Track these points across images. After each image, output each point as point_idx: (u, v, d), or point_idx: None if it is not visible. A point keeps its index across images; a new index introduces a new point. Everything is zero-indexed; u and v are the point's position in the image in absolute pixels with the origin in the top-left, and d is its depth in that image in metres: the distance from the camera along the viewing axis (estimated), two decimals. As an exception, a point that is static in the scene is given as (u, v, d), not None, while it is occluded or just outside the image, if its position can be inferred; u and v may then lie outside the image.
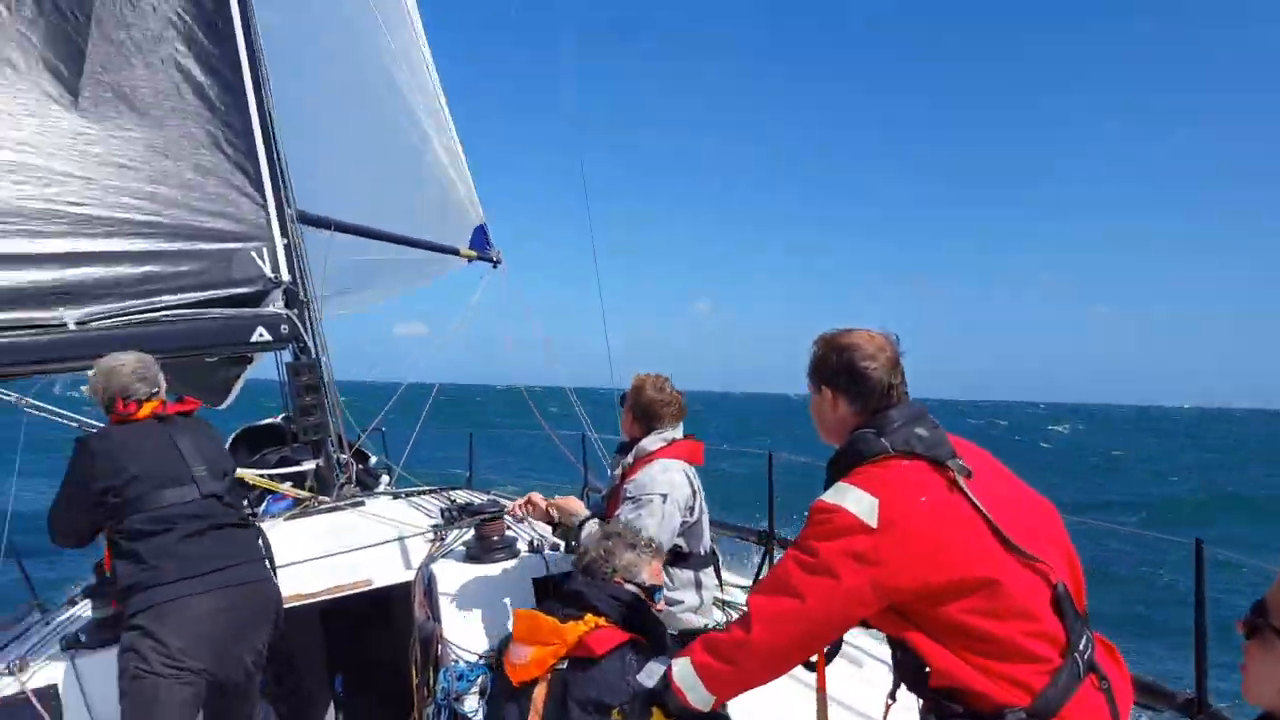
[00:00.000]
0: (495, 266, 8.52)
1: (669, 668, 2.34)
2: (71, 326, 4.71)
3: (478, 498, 5.22)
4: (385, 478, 7.04)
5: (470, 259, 8.40)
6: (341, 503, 5.32)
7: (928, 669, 2.10)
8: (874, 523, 2.07)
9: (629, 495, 3.51)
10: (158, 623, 3.11)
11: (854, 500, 2.11)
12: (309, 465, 5.53)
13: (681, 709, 2.30)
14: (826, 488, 2.23)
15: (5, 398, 4.77)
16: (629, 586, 3.04)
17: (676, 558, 3.61)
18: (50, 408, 4.96)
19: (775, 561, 5.10)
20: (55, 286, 4.73)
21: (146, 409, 3.52)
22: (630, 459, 3.71)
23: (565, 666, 2.72)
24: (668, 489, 3.50)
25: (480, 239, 8.48)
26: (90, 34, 4.93)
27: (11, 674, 3.30)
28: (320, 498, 5.32)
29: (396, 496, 5.66)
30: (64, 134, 4.86)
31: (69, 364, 4.85)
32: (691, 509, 3.65)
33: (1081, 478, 36.05)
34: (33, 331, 4.66)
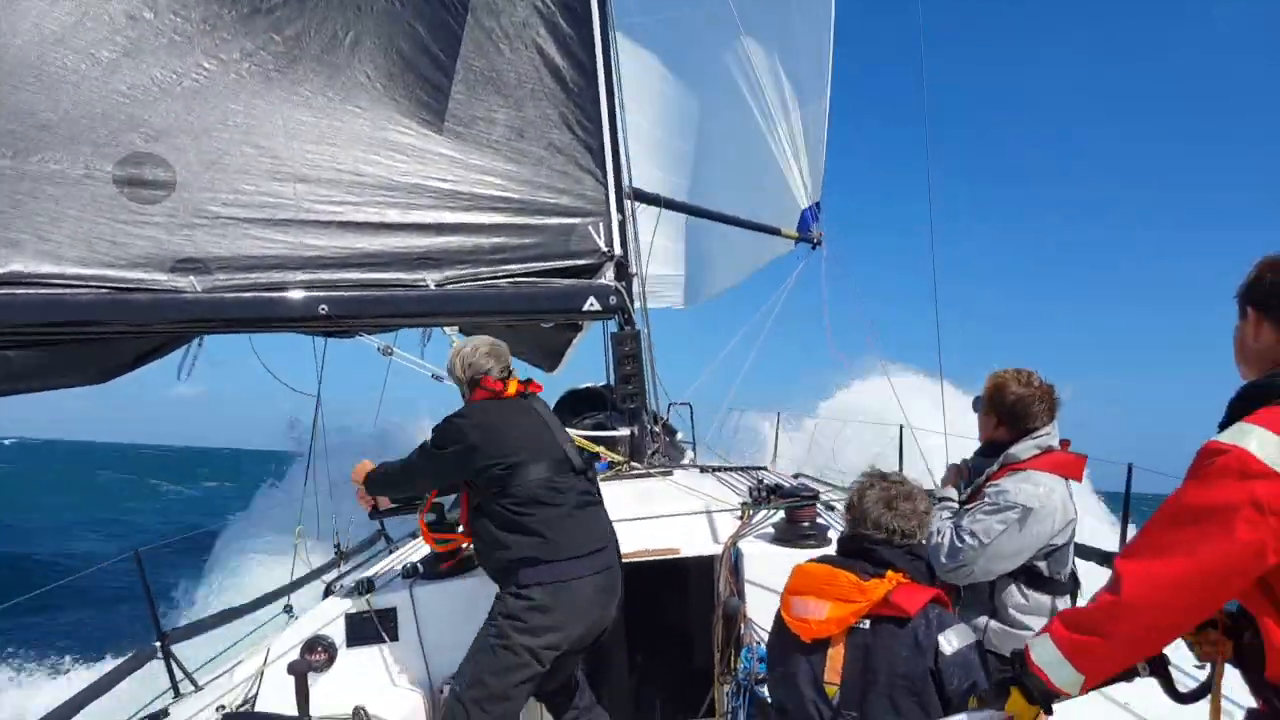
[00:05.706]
0: (814, 248, 8.39)
1: (1026, 648, 2.07)
2: (431, 287, 5.29)
3: (785, 480, 5.13)
4: (690, 452, 7.25)
5: (795, 240, 8.35)
6: (651, 470, 5.51)
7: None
8: None
9: (987, 497, 3.24)
10: (552, 599, 3.22)
11: (1258, 441, 1.76)
12: (624, 432, 5.78)
13: (1046, 692, 2.02)
14: (1222, 429, 1.87)
15: (375, 346, 5.42)
16: (922, 541, 2.86)
17: (1035, 579, 3.28)
18: (411, 356, 5.55)
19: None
20: (422, 252, 5.35)
21: (513, 386, 3.59)
22: (996, 464, 3.39)
23: (868, 626, 2.59)
24: (1035, 504, 3.17)
25: (807, 219, 8.37)
26: (466, 22, 5.44)
27: (361, 594, 3.76)
28: (632, 463, 5.55)
29: (703, 470, 5.74)
30: (438, 115, 5.44)
31: (427, 319, 5.48)
32: (1062, 532, 3.28)
33: None
34: (400, 289, 5.31)
